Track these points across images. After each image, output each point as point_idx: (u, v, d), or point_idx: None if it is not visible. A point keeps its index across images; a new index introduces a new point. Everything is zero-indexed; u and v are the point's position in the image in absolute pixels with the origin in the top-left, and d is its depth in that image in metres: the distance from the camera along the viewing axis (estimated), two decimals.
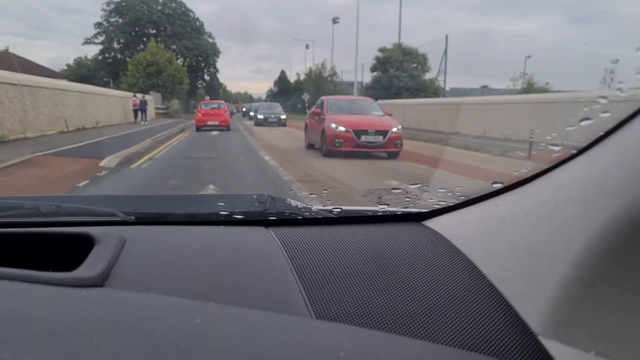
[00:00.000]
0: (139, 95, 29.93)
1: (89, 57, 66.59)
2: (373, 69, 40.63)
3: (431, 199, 1.08)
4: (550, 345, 0.59)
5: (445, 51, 37.58)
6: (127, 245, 0.80)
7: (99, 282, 0.66)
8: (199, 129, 21.90)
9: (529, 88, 36.07)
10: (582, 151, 0.65)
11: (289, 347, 0.53)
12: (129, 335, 0.51)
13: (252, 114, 36.60)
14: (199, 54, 65.69)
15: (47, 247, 0.83)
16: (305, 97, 49.83)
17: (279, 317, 0.63)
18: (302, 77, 64.08)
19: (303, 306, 0.68)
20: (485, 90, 56.37)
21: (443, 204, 0.99)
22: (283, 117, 28.81)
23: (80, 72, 65.00)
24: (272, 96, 70.67)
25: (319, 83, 60.93)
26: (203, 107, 23.77)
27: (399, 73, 38.57)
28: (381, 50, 41.59)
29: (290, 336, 0.57)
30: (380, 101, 33.48)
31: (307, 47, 74.91)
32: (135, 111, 29.26)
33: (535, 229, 0.66)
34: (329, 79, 63.13)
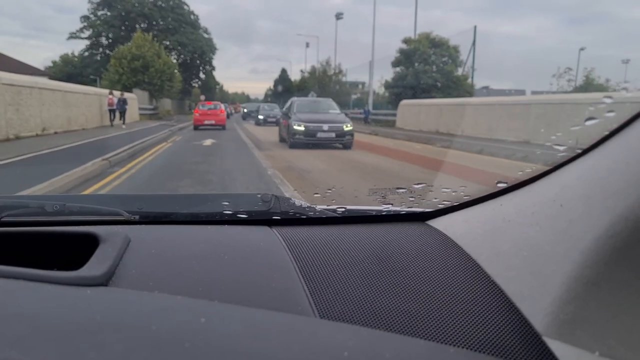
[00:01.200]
0: (117, 93, 24.51)
1: (77, 53, 61.26)
2: (395, 64, 34.89)
3: (435, 198, 1.06)
4: (555, 346, 0.59)
5: (474, 43, 32.25)
6: (131, 244, 0.80)
7: (104, 281, 0.66)
8: (196, 127, 23.56)
9: (588, 86, 30.91)
10: (587, 151, 0.64)
11: (293, 347, 0.53)
12: (133, 334, 0.51)
13: (261, 117, 30.76)
14: (194, 50, 60.22)
15: (52, 246, 0.83)
16: (312, 96, 45.00)
17: (283, 317, 0.63)
18: (306, 75, 59.00)
19: (307, 305, 0.68)
20: (490, 91, 51.98)
21: (447, 204, 0.98)
22: (348, 127, 14.30)
23: (67, 70, 59.71)
24: (273, 96, 65.58)
25: (324, 82, 56.33)
26: (200, 107, 25.00)
27: (428, 68, 32.70)
28: (406, 41, 35.03)
29: (294, 335, 0.57)
30: (406, 101, 28.04)
31: (307, 45, 70.67)
32: (112, 112, 23.88)
33: (540, 229, 0.66)
34: (334, 77, 58.40)
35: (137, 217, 0.99)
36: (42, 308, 0.55)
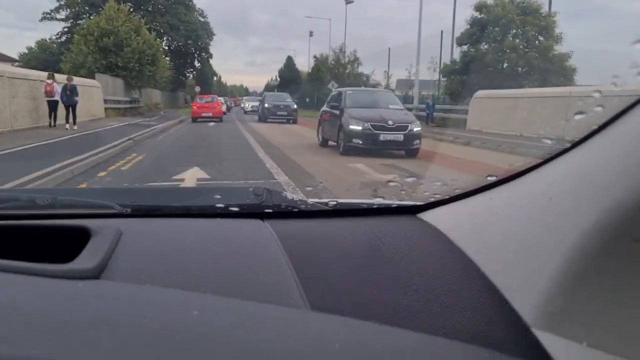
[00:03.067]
0: (59, 78, 16.11)
1: (54, 38, 52.48)
2: (463, 40, 24.06)
3: (426, 192, 1.06)
4: (543, 337, 0.60)
5: (550, 13, 23.59)
6: (123, 237, 0.80)
7: (96, 274, 0.66)
8: (194, 119, 23.68)
9: None
10: (575, 145, 0.65)
11: (285, 339, 0.54)
12: (125, 328, 0.51)
13: (368, 126, 10.37)
14: (188, 35, 51.46)
15: (43, 240, 0.82)
16: (332, 86, 36.60)
17: (275, 309, 0.63)
18: (324, 60, 50.57)
19: (299, 298, 0.68)
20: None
21: (438, 197, 0.98)
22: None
23: (43, 57, 50.79)
24: (279, 87, 57.28)
25: (338, 71, 47.83)
26: (198, 100, 25.50)
27: (519, 43, 22.29)
28: (479, 8, 24.00)
29: (286, 328, 0.57)
30: (485, 92, 19.53)
31: (310, 34, 62.65)
32: (53, 105, 15.47)
33: (529, 222, 0.66)
34: (349, 66, 49.81)
35: (128, 210, 0.97)
36: (33, 301, 0.55)
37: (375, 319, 0.64)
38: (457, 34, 25.62)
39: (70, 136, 12.62)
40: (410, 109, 12.21)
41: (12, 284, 0.58)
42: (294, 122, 24.29)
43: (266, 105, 26.14)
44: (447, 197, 0.94)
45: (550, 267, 0.59)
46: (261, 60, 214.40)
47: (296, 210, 1.02)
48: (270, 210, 1.00)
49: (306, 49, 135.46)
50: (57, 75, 16.41)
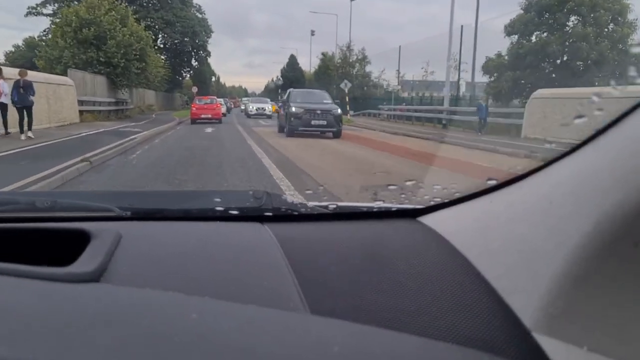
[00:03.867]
0: (9, 72, 12.46)
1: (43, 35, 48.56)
2: (514, 27, 20.96)
3: (426, 195, 1.05)
4: (544, 341, 0.60)
5: None
6: (123, 240, 0.80)
7: (95, 277, 0.66)
8: (193, 121, 23.29)
9: None
10: (576, 148, 0.65)
11: (284, 342, 0.54)
12: (125, 331, 0.51)
13: None
14: (184, 31, 47.69)
15: (43, 243, 0.82)
16: (345, 86, 32.90)
17: (274, 313, 0.63)
18: (330, 58, 47.00)
19: (298, 301, 0.68)
20: None
21: (438, 201, 0.98)
22: None
23: (30, 56, 46.84)
24: (282, 88, 53.61)
25: (345, 70, 44.32)
26: (197, 102, 25.18)
27: (590, 31, 18.07)
28: None
29: (286, 331, 0.57)
30: (548, 91, 15.78)
31: (312, 33, 59.31)
32: (1, 108, 11.82)
33: (529, 226, 0.67)
34: (357, 65, 46.23)
35: (128, 213, 0.97)
36: (32, 304, 0.55)
37: (374, 322, 0.63)
38: (478, 29, 21.72)
39: (12, 150, 8.85)
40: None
41: (11, 287, 0.58)
42: (338, 135, 15.45)
43: (293, 109, 15.52)
44: (448, 200, 0.93)
45: (551, 269, 0.58)
46: (260, 61, 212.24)
47: (296, 213, 1.02)
48: (270, 214, 0.99)
49: (305, 50, 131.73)
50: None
